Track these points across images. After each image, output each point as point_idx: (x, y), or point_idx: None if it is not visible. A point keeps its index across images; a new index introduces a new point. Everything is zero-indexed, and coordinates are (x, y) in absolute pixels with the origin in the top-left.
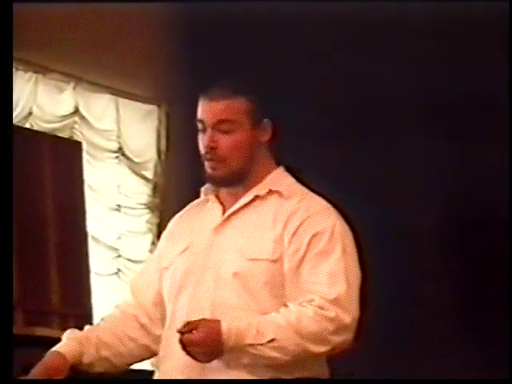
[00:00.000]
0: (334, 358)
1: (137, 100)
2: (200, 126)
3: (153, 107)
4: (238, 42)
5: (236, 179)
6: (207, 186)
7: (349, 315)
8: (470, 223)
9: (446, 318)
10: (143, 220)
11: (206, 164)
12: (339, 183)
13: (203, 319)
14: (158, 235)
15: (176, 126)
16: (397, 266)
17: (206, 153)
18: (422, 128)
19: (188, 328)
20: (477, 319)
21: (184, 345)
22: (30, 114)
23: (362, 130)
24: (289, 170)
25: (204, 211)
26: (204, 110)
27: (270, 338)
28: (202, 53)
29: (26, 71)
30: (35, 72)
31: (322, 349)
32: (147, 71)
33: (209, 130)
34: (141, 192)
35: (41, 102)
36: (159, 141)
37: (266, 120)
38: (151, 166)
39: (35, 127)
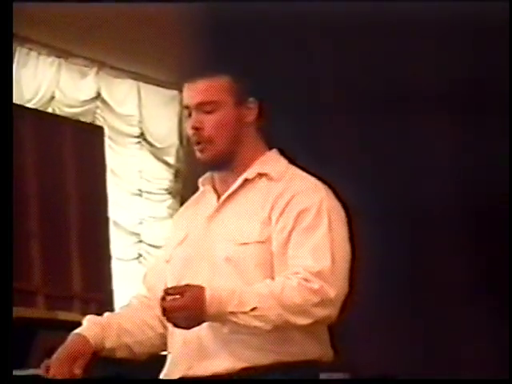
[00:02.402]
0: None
1: (159, 85)
2: (186, 112)
3: (175, 92)
4: (256, 32)
5: (224, 160)
6: (204, 176)
7: (333, 289)
8: (481, 208)
9: (456, 304)
10: (165, 205)
11: (195, 148)
12: (340, 165)
13: (187, 285)
14: None
15: None
16: (408, 246)
17: (193, 135)
18: (435, 111)
19: (173, 291)
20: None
21: (165, 310)
22: (53, 98)
23: (362, 106)
24: (282, 152)
25: (201, 201)
26: (187, 94)
27: (251, 307)
28: (224, 38)
29: (48, 56)
30: (58, 57)
31: (303, 321)
32: (169, 56)
33: (193, 113)
34: (162, 177)
35: (63, 86)
36: (181, 126)
37: (250, 99)
38: (173, 151)
39: (57, 112)
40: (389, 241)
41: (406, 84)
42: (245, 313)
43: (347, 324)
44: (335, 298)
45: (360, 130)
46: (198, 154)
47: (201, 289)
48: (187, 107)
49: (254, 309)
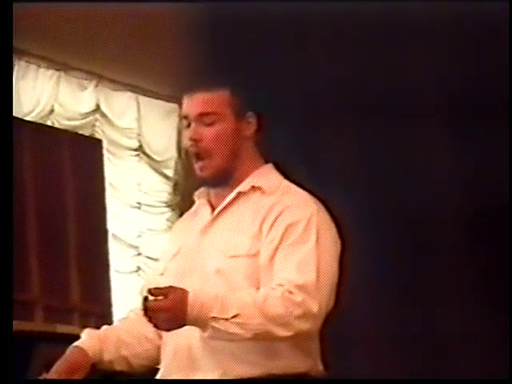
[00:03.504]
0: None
1: (158, 98)
2: (185, 122)
3: (174, 105)
4: (258, 41)
5: (223, 177)
6: (199, 190)
7: (316, 303)
8: (485, 212)
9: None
10: (163, 218)
11: (195, 166)
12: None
13: (171, 286)
14: None
15: None
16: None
17: (191, 146)
18: (435, 116)
19: (156, 292)
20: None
21: (147, 309)
22: (52, 111)
23: (361, 117)
24: (277, 166)
25: (196, 215)
26: (187, 104)
27: (233, 314)
28: (224, 51)
29: (48, 69)
30: (57, 70)
31: (284, 332)
32: (168, 69)
33: (192, 124)
34: (161, 190)
35: (62, 99)
36: (180, 139)
37: (249, 113)
38: (172, 164)
39: (56, 125)
40: (386, 252)
41: (404, 92)
42: (226, 319)
43: (342, 335)
44: (317, 313)
45: (358, 142)
46: (198, 172)
47: (184, 292)
48: (186, 117)
49: (235, 316)
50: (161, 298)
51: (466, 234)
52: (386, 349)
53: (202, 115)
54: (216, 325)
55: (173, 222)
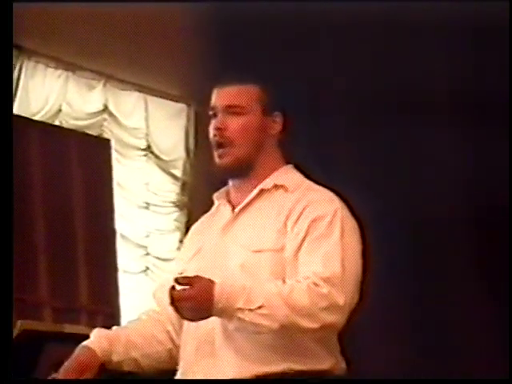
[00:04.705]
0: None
1: (166, 98)
2: (211, 112)
3: (182, 105)
4: (264, 42)
5: (243, 168)
6: (219, 191)
7: (342, 296)
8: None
9: (468, 314)
10: (172, 218)
11: (215, 153)
12: (352, 178)
13: (197, 276)
14: (186, 233)
15: (205, 124)
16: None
17: (214, 135)
18: (441, 115)
19: (183, 281)
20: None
21: (173, 299)
22: (60, 111)
23: (372, 118)
24: (298, 168)
25: (216, 215)
26: (216, 96)
27: (258, 305)
28: (232, 52)
29: (56, 68)
30: (65, 69)
31: (310, 324)
32: (177, 69)
33: (219, 114)
34: (169, 190)
35: (70, 99)
36: (188, 139)
37: (276, 113)
38: (180, 164)
39: (64, 124)
40: (394, 253)
41: (408, 92)
42: (251, 310)
43: (355, 334)
44: (343, 305)
45: (369, 140)
46: (217, 160)
47: (211, 282)
48: (213, 108)
49: (260, 307)
50: (187, 287)
51: (472, 235)
52: (386, 348)
53: (230, 106)
54: (241, 316)
55: (181, 222)
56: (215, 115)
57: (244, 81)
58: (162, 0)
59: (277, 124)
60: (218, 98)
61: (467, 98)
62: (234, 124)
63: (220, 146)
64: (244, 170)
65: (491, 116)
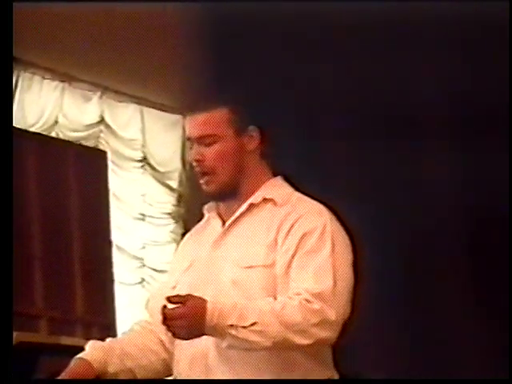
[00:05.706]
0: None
1: (162, 110)
2: (188, 144)
3: (178, 117)
4: (263, 51)
5: (229, 191)
6: (209, 204)
7: (334, 311)
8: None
9: (457, 321)
10: (168, 230)
11: (201, 181)
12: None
13: (189, 294)
14: None
15: None
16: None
17: (196, 166)
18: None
19: (175, 300)
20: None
21: (165, 317)
22: (56, 122)
23: (364, 130)
24: (287, 179)
25: (206, 228)
26: (188, 126)
27: (251, 322)
28: (228, 63)
29: (52, 80)
30: (62, 81)
31: (302, 340)
32: (173, 81)
33: (195, 145)
34: (165, 201)
35: (67, 110)
36: (184, 150)
37: (251, 127)
38: (176, 175)
39: (61, 136)
40: (389, 266)
41: (406, 102)
42: (244, 327)
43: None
44: (335, 320)
45: (361, 156)
46: (204, 187)
47: (203, 300)
48: (189, 139)
49: (253, 324)
50: (179, 305)
51: (468, 244)
52: (386, 348)
53: (201, 137)
54: (234, 333)
55: (177, 234)
56: (191, 146)
57: (212, 106)
58: (159, 0)
59: (254, 139)
60: (190, 128)
61: (467, 98)
62: (211, 153)
63: (203, 174)
64: (231, 193)
65: (491, 128)
